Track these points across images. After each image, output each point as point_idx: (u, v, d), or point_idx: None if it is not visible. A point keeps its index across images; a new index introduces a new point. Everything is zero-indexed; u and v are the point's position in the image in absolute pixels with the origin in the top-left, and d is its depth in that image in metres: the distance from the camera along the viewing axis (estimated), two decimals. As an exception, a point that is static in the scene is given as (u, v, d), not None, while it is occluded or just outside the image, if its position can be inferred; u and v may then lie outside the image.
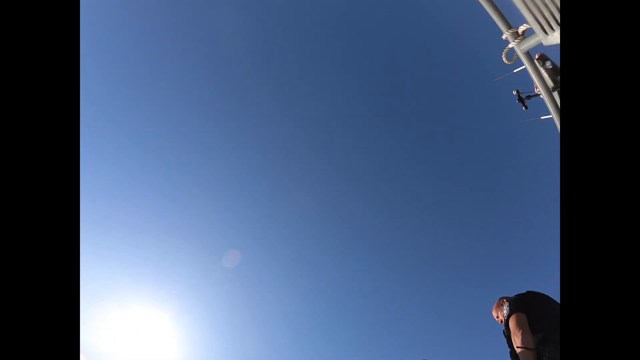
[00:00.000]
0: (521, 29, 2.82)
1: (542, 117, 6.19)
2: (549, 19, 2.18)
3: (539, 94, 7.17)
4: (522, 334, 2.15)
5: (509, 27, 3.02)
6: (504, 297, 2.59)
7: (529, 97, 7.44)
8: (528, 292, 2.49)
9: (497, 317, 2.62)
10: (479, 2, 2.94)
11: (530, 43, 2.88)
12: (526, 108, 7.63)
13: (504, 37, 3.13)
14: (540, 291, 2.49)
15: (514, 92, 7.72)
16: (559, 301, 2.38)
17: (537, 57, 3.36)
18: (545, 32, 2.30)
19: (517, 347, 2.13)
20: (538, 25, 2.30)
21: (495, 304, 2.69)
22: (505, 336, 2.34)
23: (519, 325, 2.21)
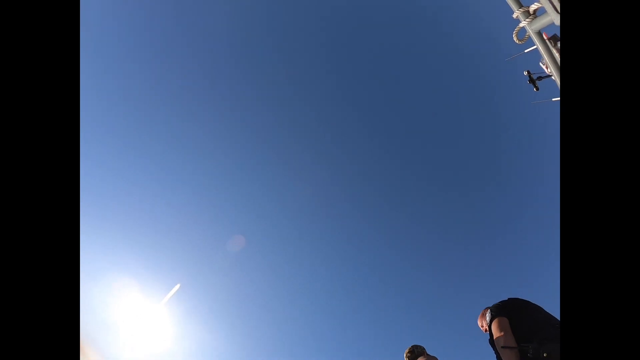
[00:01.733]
0: (532, 7, 2.70)
1: (553, 99, 5.99)
2: (561, -2, 2.07)
3: (550, 75, 6.91)
4: (504, 335, 2.21)
5: (520, 5, 2.89)
6: (487, 307, 2.65)
7: (540, 78, 7.18)
8: (509, 298, 2.55)
9: (482, 326, 2.69)
10: (488, -21, 2.81)
11: (542, 22, 2.75)
12: (537, 89, 7.39)
13: (514, 15, 3.00)
14: (522, 297, 2.54)
15: (525, 73, 7.45)
16: (543, 308, 2.45)
17: (545, 36, 3.21)
18: (557, 11, 2.19)
19: (500, 347, 2.18)
20: (549, 4, 2.20)
21: (479, 315, 2.76)
22: (491, 345, 2.41)
23: (500, 327, 2.28)
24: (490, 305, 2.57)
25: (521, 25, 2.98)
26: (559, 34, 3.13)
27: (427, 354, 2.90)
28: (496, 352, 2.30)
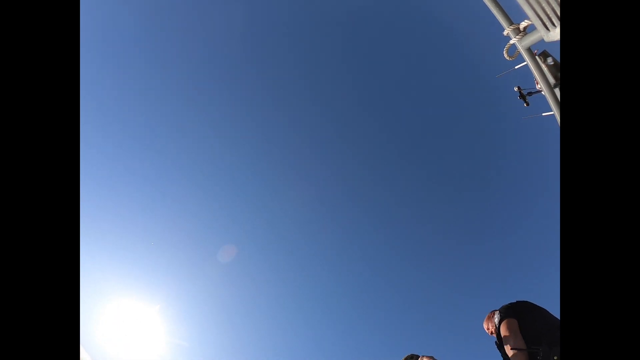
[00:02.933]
0: (523, 25, 2.81)
1: (543, 114, 6.17)
2: (550, 15, 2.17)
3: (540, 91, 7.14)
4: (514, 337, 2.19)
5: (511, 23, 3.00)
6: (494, 310, 2.63)
7: (530, 93, 7.41)
8: (517, 301, 2.55)
9: (488, 328, 2.66)
10: (480, -2, 2.93)
11: (531, 39, 2.86)
12: (527, 105, 7.61)
13: (505, 33, 3.11)
14: (530, 301, 2.54)
15: (516, 89, 7.68)
16: (548, 310, 2.44)
17: (535, 51, 3.34)
18: (547, 29, 2.29)
19: (510, 349, 2.16)
20: (539, 21, 2.29)
21: (485, 318, 2.73)
22: (497, 347, 2.38)
23: (509, 329, 2.26)
24: (497, 308, 2.54)
25: (511, 42, 3.09)
26: (548, 50, 3.26)
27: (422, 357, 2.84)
28: (503, 355, 2.27)
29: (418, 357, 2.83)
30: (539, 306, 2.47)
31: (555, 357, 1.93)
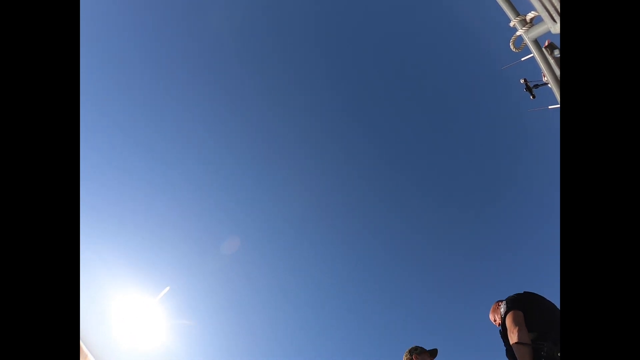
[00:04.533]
0: (529, 16, 2.74)
1: (549, 107, 6.07)
2: (557, 7, 2.11)
3: (547, 83, 7.01)
4: (518, 330, 2.16)
5: (517, 14, 2.94)
6: (500, 300, 2.60)
7: (536, 85, 7.27)
8: (525, 292, 2.51)
9: (495, 320, 2.64)
10: (485, -12, 2.86)
11: (538, 31, 2.80)
12: (534, 97, 7.47)
13: (511, 24, 3.04)
14: (536, 292, 2.50)
15: (522, 81, 7.54)
16: (555, 303, 2.41)
17: (545, 44, 3.27)
18: (554, 20, 2.23)
19: (514, 342, 2.13)
20: (546, 13, 2.24)
21: (492, 308, 2.70)
22: (502, 336, 2.36)
23: (515, 321, 2.23)
24: (503, 299, 2.52)
25: (518, 33, 3.02)
26: (555, 42, 3.19)
27: (426, 350, 2.87)
28: (507, 346, 2.25)
29: (423, 349, 2.85)
30: (546, 299, 2.44)
31: (558, 354, 1.90)
